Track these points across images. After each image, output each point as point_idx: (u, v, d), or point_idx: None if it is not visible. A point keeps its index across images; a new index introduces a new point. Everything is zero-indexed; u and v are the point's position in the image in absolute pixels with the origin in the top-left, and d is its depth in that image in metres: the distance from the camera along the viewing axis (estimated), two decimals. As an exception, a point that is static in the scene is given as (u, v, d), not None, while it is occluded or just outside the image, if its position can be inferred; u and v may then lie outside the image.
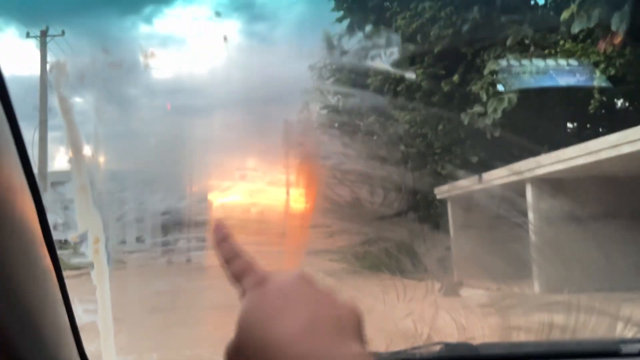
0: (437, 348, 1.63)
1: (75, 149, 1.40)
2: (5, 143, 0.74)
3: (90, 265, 1.47)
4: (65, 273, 1.19)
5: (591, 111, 9.74)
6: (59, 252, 1.09)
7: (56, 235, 1.10)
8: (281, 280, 0.46)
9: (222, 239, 0.50)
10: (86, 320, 1.47)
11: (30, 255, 0.87)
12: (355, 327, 0.45)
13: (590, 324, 3.43)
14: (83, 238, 1.43)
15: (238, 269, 0.48)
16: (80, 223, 1.40)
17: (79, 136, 1.44)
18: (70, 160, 1.42)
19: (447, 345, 1.62)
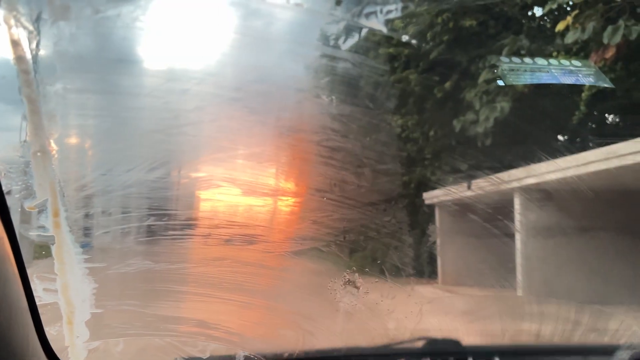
0: (420, 343, 1.59)
1: (31, 104, 1.29)
2: None
3: (51, 239, 1.37)
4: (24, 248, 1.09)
5: (575, 122, 9.81)
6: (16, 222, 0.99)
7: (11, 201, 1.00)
8: None
9: None
10: (47, 300, 1.36)
11: None
12: None
13: (571, 334, 3.42)
14: (42, 208, 1.33)
15: None
16: (39, 192, 1.30)
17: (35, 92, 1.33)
18: (23, 117, 1.31)
19: (430, 341, 1.57)
